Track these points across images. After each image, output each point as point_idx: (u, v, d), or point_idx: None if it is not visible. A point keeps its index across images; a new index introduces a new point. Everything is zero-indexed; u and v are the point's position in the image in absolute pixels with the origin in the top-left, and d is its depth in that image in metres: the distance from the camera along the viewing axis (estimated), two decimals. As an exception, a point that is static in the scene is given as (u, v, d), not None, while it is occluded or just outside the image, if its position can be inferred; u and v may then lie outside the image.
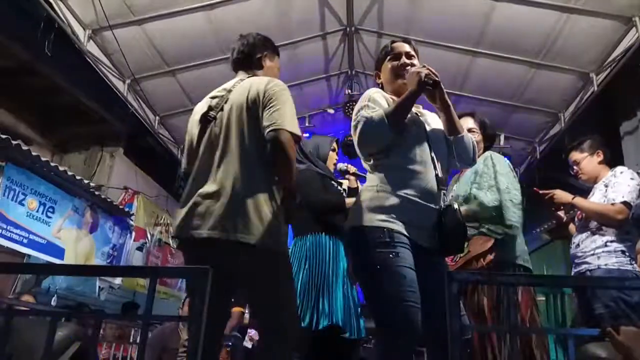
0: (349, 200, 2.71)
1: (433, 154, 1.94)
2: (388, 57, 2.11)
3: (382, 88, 2.16)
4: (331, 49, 5.78)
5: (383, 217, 1.82)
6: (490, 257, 2.31)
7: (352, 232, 1.90)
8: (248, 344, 4.78)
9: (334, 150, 2.97)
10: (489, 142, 2.74)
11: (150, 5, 4.58)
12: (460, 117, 2.64)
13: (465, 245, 2.22)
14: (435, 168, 1.92)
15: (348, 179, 2.93)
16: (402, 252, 1.77)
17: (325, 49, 5.77)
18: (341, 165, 2.96)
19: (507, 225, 2.33)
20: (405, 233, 1.81)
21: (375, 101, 1.94)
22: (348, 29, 5.42)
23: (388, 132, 1.83)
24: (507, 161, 2.58)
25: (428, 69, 1.87)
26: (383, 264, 1.76)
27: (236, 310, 5.20)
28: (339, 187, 2.85)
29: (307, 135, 6.10)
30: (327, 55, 5.87)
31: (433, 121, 2.10)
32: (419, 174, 1.87)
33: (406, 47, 2.11)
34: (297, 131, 1.88)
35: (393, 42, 2.16)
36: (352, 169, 2.96)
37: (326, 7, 5.12)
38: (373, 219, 1.83)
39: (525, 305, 2.26)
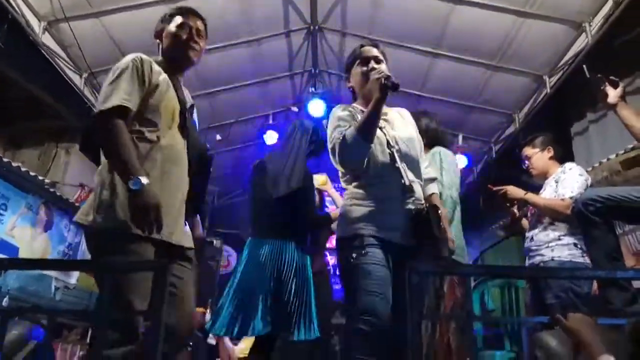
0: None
1: (399, 164, 1.99)
2: (357, 62, 2.16)
3: (352, 92, 2.21)
4: (295, 47, 5.79)
5: (355, 226, 1.94)
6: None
7: (336, 243, 2.04)
8: (212, 340, 4.77)
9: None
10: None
11: (109, -3, 4.46)
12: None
13: None
14: (402, 177, 1.97)
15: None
16: (370, 251, 1.87)
17: (289, 47, 5.77)
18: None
19: None
20: (377, 234, 1.91)
21: (343, 119, 2.02)
22: (312, 27, 5.45)
23: (364, 145, 1.92)
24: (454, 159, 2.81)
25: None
26: (353, 263, 1.88)
27: (198, 310, 5.16)
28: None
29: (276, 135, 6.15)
30: (291, 53, 5.87)
31: (399, 123, 2.15)
32: (379, 188, 1.97)
33: (374, 52, 2.16)
34: (108, 104, 1.70)
35: (362, 46, 2.20)
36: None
37: (290, 5, 5.12)
38: (348, 230, 1.96)
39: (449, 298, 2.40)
